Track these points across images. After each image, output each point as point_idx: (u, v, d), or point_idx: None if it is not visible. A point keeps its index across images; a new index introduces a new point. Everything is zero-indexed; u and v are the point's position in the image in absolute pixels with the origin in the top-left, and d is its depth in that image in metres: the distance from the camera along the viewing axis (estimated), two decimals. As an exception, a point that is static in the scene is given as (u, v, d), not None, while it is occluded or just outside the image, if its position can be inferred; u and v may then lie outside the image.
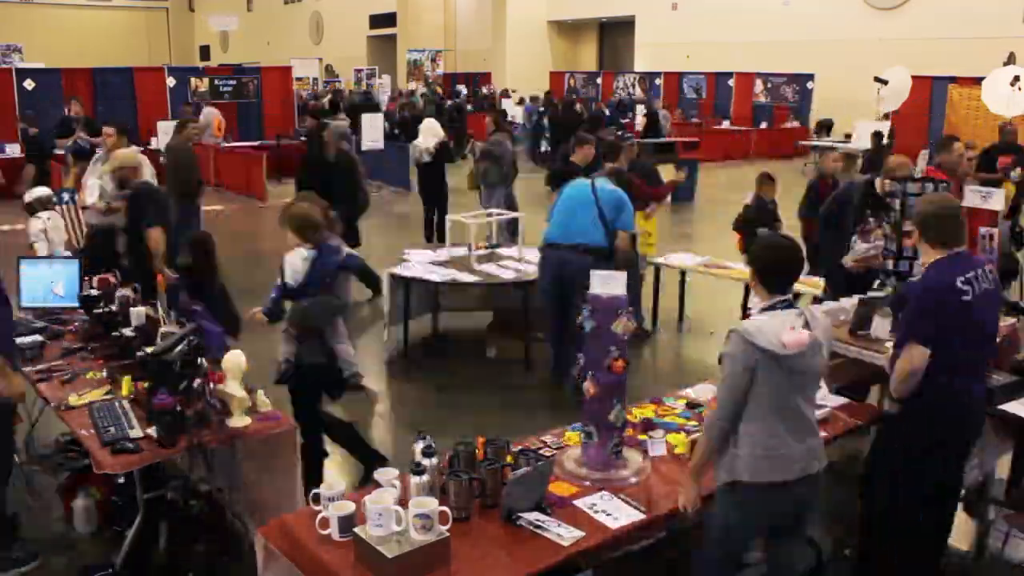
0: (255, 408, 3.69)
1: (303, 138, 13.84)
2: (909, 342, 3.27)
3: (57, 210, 7.02)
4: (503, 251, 7.20)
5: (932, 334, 3.23)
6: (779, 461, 2.80)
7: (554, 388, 6.25)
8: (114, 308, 4.50)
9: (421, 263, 6.85)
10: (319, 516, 2.68)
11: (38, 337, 4.59)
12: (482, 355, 6.87)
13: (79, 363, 4.29)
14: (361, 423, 5.94)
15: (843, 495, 4.38)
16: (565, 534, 2.72)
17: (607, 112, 19.93)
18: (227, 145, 16.75)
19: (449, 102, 22.16)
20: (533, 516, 2.80)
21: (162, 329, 4.11)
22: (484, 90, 26.28)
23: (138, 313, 4.36)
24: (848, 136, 18.85)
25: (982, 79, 14.69)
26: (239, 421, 3.58)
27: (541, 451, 3.26)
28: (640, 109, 20.22)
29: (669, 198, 8.97)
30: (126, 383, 3.85)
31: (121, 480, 3.84)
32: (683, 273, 7.61)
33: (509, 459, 3.00)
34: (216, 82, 18.01)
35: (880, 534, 3.59)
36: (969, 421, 3.49)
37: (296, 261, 4.30)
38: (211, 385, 3.64)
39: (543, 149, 18.29)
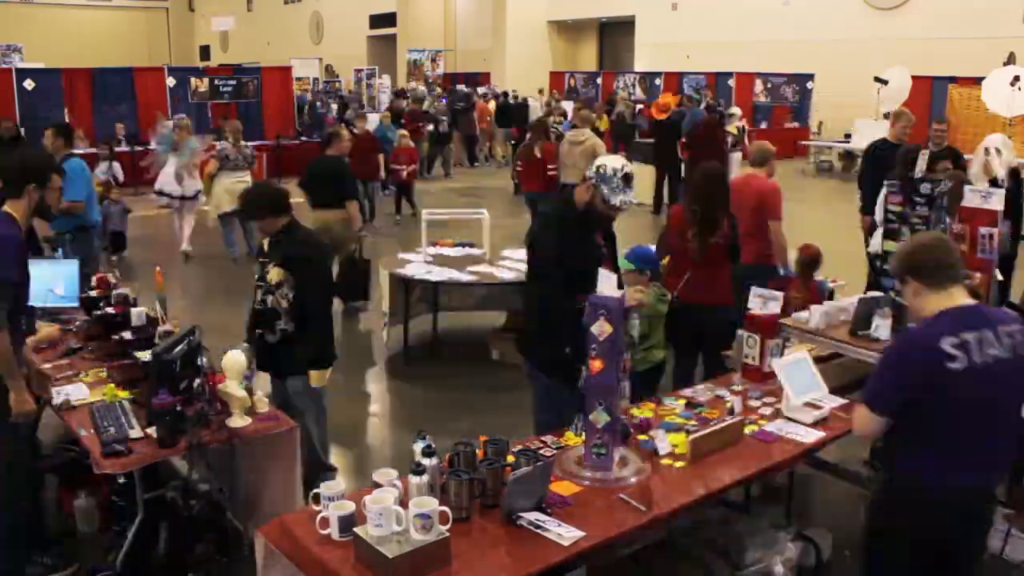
0: (255, 408, 3.69)
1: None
2: (862, 403, 2.74)
3: None
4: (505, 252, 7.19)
5: (898, 402, 2.64)
6: None
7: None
8: (112, 311, 4.51)
9: (419, 263, 6.86)
10: (319, 516, 2.68)
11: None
12: (482, 355, 6.88)
13: (79, 363, 4.29)
14: (359, 423, 5.95)
15: (843, 495, 4.39)
16: (565, 534, 2.72)
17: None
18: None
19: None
20: (533, 516, 2.80)
21: (160, 329, 4.11)
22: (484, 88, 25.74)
23: (138, 313, 4.37)
24: (848, 136, 18.87)
25: (982, 79, 14.70)
26: (239, 421, 3.58)
27: (541, 451, 3.26)
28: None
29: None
30: (109, 389, 3.85)
31: (121, 480, 3.84)
32: None
33: (509, 459, 3.01)
34: (216, 82, 18.00)
35: None
36: (973, 525, 2.80)
37: None
38: (211, 384, 3.64)
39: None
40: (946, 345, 2.56)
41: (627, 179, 3.72)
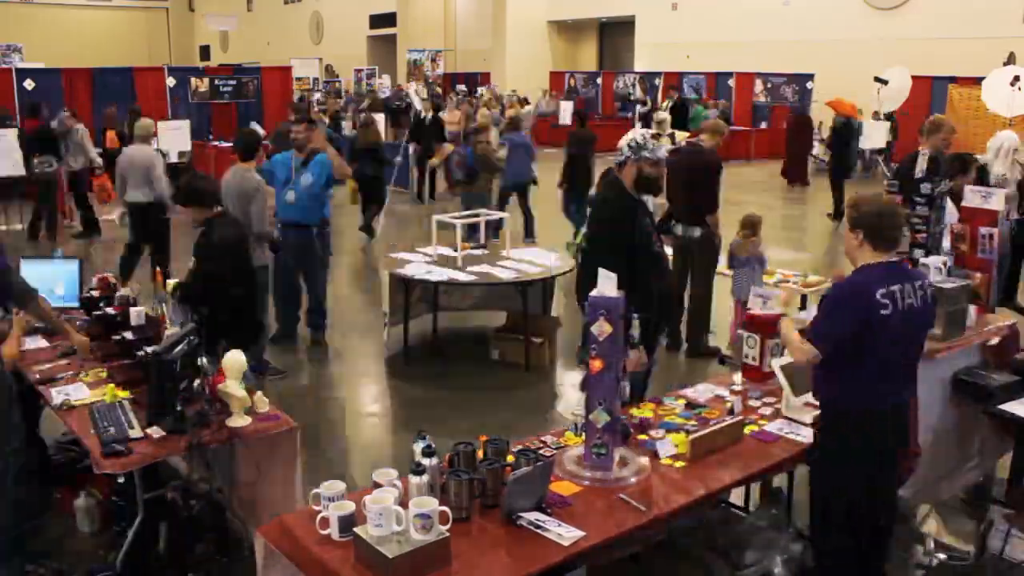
0: (255, 408, 3.69)
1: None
2: (809, 337, 3.23)
3: None
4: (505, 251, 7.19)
5: (839, 340, 3.14)
6: None
7: (553, 388, 6.25)
8: (112, 311, 4.50)
9: (419, 263, 6.85)
10: (319, 516, 2.68)
11: (39, 337, 4.60)
12: (482, 355, 6.88)
13: (79, 363, 4.29)
14: (359, 423, 5.95)
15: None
16: (565, 534, 2.72)
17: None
18: (227, 145, 16.74)
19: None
20: (533, 516, 2.80)
21: (167, 332, 4.10)
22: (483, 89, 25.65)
23: (138, 313, 4.37)
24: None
25: (982, 79, 14.69)
26: (239, 421, 3.58)
27: (541, 451, 3.26)
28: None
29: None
30: (109, 389, 3.85)
31: (121, 480, 3.84)
32: None
33: (509, 459, 3.01)
34: (216, 82, 18.00)
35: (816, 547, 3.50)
36: (895, 428, 3.34)
37: None
38: (211, 384, 3.64)
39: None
40: (878, 296, 3.10)
41: (654, 137, 4.30)
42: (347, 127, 17.67)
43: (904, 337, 3.21)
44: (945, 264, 4.56)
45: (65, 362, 4.31)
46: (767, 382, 3.98)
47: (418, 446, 2.88)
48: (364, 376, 6.80)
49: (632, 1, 25.97)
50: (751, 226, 6.52)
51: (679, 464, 3.26)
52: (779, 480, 4.29)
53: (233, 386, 3.62)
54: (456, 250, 6.83)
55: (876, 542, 3.41)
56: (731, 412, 3.71)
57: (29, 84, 15.98)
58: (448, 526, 2.57)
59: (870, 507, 3.33)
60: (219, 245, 4.73)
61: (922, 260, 4.66)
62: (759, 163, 19.82)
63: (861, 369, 3.18)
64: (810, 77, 21.15)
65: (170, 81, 17.49)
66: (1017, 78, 13.68)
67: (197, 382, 3.60)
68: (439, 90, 25.66)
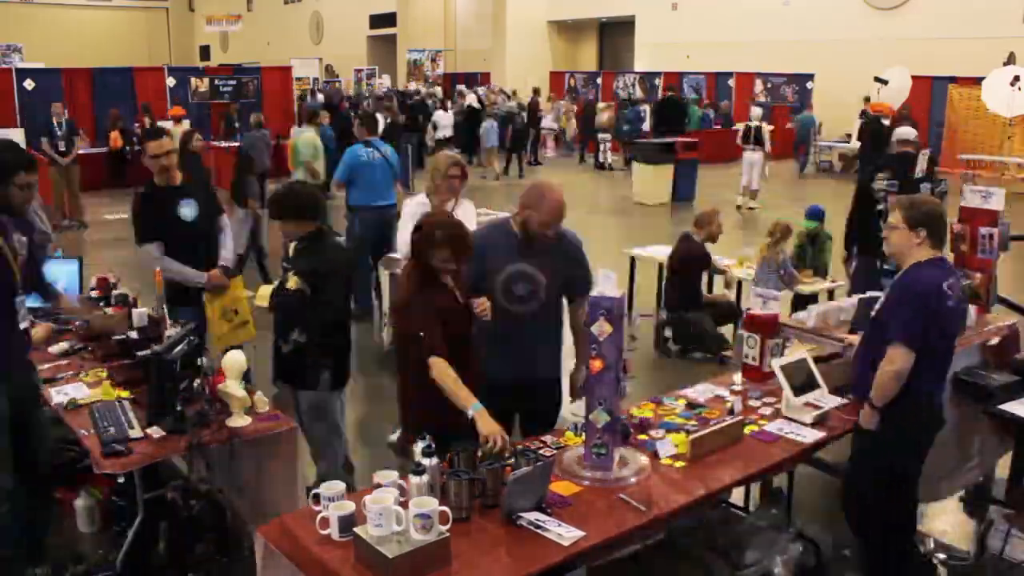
0: (255, 408, 3.69)
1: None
2: (897, 344, 3.24)
3: None
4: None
5: (920, 337, 3.23)
6: None
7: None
8: (112, 310, 4.51)
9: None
10: (319, 516, 2.68)
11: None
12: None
13: (79, 363, 4.29)
14: (359, 423, 5.95)
15: (842, 495, 4.37)
16: (565, 534, 2.72)
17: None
18: (227, 145, 16.76)
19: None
20: (533, 516, 2.80)
21: (167, 331, 4.10)
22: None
23: (139, 314, 4.37)
24: (848, 136, 18.87)
25: (982, 79, 14.71)
26: (239, 421, 3.59)
27: (541, 451, 3.26)
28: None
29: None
30: (105, 388, 3.85)
31: (121, 480, 3.84)
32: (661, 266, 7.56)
33: (509, 459, 3.01)
34: (216, 82, 18.02)
35: (870, 538, 3.60)
36: (939, 421, 3.52)
37: None
38: (211, 384, 3.64)
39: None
40: (945, 287, 3.25)
41: None
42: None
43: (953, 327, 3.43)
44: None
45: (65, 362, 4.31)
46: (767, 382, 3.98)
47: (418, 446, 2.88)
48: (364, 376, 6.79)
49: (632, 1, 25.98)
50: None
51: (679, 464, 3.27)
52: (779, 480, 4.30)
53: (233, 386, 3.62)
54: None
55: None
56: (731, 412, 3.71)
57: (29, 84, 15.99)
58: (448, 526, 2.57)
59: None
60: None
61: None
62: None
63: (924, 363, 3.27)
64: (810, 77, 21.17)
65: (170, 81, 17.52)
66: (1017, 78, 13.71)
67: (197, 382, 3.60)
68: (439, 89, 25.66)
